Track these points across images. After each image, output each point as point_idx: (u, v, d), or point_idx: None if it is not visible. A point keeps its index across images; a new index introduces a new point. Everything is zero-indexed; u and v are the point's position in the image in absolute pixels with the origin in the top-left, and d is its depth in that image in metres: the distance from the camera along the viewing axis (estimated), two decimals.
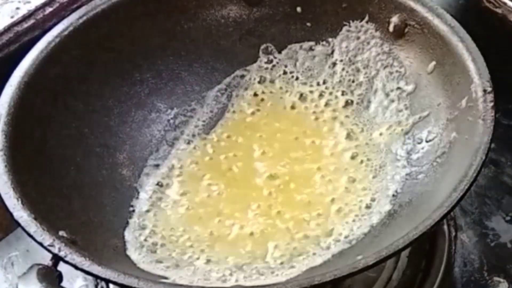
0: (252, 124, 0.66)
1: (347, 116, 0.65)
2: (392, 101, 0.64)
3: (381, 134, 0.63)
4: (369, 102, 0.65)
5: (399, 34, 0.64)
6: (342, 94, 0.66)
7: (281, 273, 0.53)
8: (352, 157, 0.62)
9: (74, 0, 0.70)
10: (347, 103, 0.66)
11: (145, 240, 0.57)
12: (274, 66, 0.68)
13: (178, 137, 0.65)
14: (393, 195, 0.58)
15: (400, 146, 0.61)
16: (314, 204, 0.59)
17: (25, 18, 0.69)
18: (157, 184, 0.62)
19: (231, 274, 0.54)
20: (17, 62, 0.59)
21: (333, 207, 0.58)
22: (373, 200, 0.58)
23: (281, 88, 0.68)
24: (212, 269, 0.54)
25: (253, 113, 0.67)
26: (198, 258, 0.56)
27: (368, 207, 0.58)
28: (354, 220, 0.57)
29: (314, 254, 0.55)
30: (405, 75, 0.64)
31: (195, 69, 0.68)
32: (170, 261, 0.55)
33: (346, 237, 0.56)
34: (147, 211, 0.60)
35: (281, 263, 0.54)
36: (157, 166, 0.63)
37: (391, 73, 0.65)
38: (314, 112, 0.66)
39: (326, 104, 0.66)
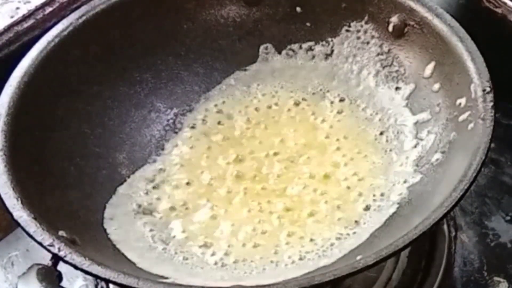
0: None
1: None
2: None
3: (381, 133, 0.63)
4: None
5: (398, 34, 0.64)
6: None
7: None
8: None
9: (74, 0, 0.70)
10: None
11: None
12: None
13: (177, 137, 0.65)
14: None
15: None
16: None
17: (25, 18, 0.69)
18: (157, 184, 0.62)
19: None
20: (17, 62, 0.59)
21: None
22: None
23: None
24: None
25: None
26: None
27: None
28: None
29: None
30: (404, 75, 0.64)
31: (194, 69, 0.68)
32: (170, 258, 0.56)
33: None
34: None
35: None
36: (156, 165, 0.63)
37: (390, 73, 0.64)
38: (313, 113, 0.66)
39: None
